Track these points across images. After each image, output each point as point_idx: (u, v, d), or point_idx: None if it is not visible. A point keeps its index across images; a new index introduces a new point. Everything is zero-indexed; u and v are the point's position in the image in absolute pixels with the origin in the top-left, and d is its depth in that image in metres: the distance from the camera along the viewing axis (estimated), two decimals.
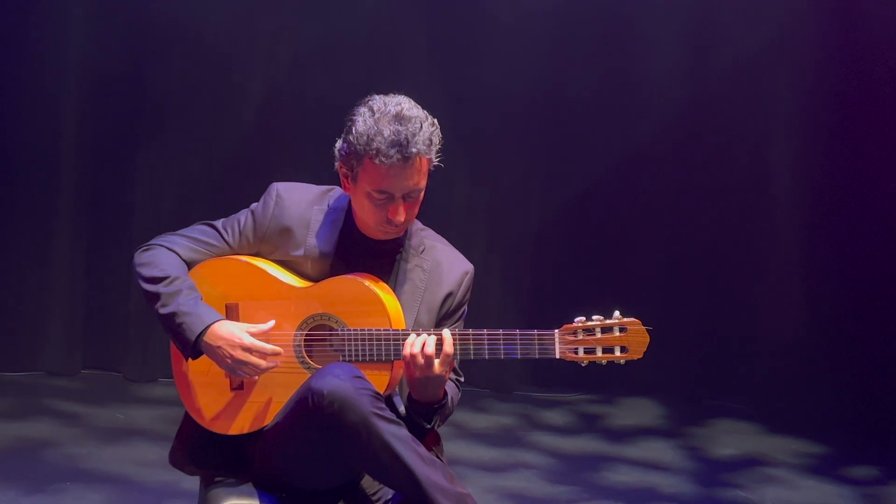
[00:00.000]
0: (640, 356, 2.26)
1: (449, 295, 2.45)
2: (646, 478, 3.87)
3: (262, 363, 2.33)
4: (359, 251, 2.43)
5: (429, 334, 2.30)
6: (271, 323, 2.37)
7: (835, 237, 4.78)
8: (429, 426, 2.37)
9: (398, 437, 2.19)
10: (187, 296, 2.37)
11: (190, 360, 2.38)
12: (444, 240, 2.53)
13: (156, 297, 2.38)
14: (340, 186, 2.46)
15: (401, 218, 2.34)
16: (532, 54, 4.71)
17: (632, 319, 2.28)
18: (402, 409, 2.40)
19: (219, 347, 2.33)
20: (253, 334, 2.35)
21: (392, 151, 2.28)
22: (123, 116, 4.51)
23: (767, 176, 4.81)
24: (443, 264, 2.46)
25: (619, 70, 4.77)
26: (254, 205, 2.51)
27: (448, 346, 2.28)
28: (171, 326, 2.35)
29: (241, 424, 2.41)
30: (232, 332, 2.33)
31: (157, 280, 2.39)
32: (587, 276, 4.78)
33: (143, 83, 4.48)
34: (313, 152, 4.55)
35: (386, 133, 2.29)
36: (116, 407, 4.18)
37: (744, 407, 4.66)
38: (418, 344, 2.29)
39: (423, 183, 2.35)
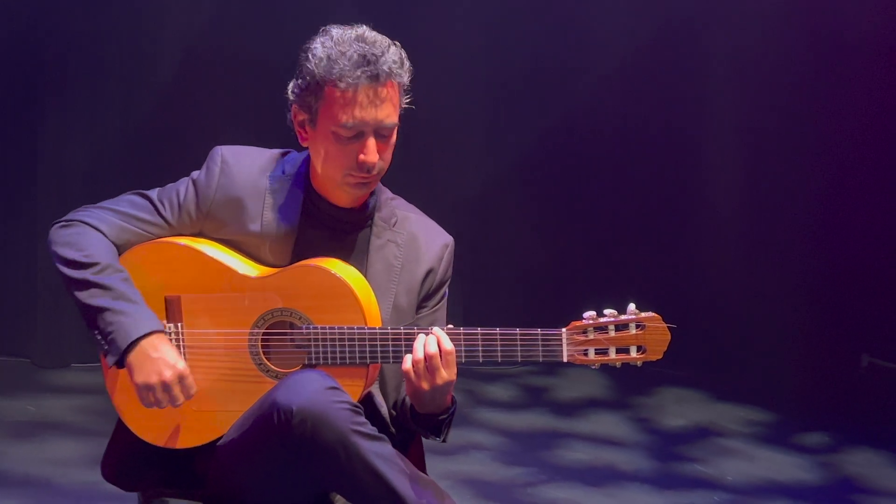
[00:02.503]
0: (660, 356, 2.02)
1: (429, 272, 2.14)
2: (601, 454, 3.71)
3: (181, 399, 2.02)
4: (324, 224, 2.10)
5: (427, 333, 1.99)
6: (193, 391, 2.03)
7: (775, 202, 4.73)
8: (439, 439, 2.09)
9: (381, 455, 1.90)
10: (124, 291, 2.01)
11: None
12: (417, 209, 2.21)
13: (82, 284, 2.02)
14: (297, 142, 2.11)
15: (373, 158, 2.02)
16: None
17: (650, 314, 2.01)
18: (384, 410, 2.12)
19: (153, 360, 1.99)
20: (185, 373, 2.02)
21: (358, 72, 1.98)
22: (19, 73, 4.05)
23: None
24: (419, 237, 2.14)
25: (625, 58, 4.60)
26: (195, 173, 2.14)
27: (447, 343, 1.97)
28: (99, 323, 2.00)
29: (189, 437, 2.08)
30: (173, 352, 2.01)
31: (84, 265, 2.03)
32: (576, 263, 4.63)
33: (39, 36, 4.03)
34: (240, 114, 4.25)
35: (349, 52, 1.99)
36: (27, 398, 3.80)
37: (687, 374, 4.55)
38: (420, 349, 1.97)
39: (396, 117, 2.04)
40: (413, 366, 1.98)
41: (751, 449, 3.86)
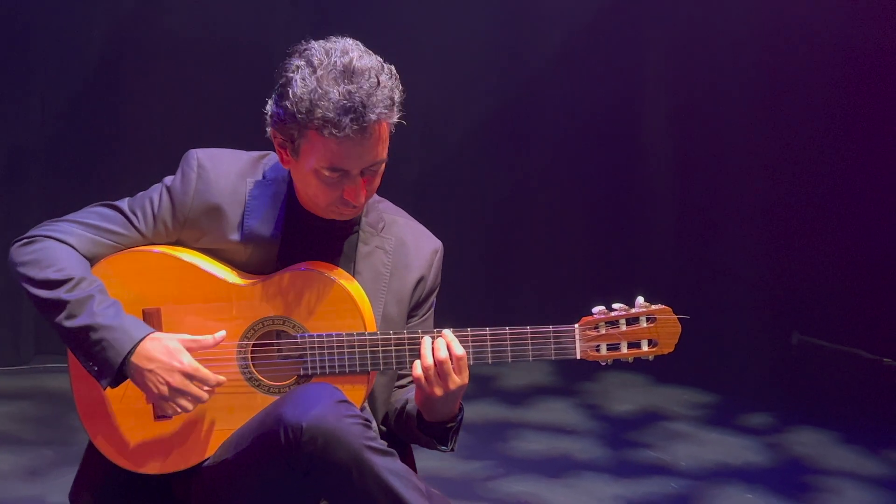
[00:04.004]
0: (672, 349, 1.98)
1: (420, 280, 2.05)
2: (556, 444, 3.70)
3: (204, 395, 1.87)
4: (307, 232, 1.98)
5: (435, 336, 1.90)
6: (221, 333, 1.89)
7: (707, 185, 4.80)
8: (446, 449, 2.01)
9: (395, 472, 1.82)
10: (102, 303, 1.86)
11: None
12: (405, 212, 2.11)
13: (56, 305, 1.85)
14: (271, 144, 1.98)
15: (358, 200, 1.91)
16: None
17: (661, 307, 1.98)
18: (374, 425, 2.02)
19: (151, 371, 1.85)
20: (191, 349, 1.88)
21: (345, 121, 1.81)
22: None
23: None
24: (408, 243, 2.05)
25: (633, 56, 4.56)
26: (168, 179, 1.99)
27: (457, 348, 1.88)
28: (84, 344, 1.85)
29: (174, 461, 1.95)
30: (168, 351, 1.85)
31: (55, 284, 1.86)
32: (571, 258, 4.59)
33: None
34: (176, 104, 4.09)
35: (334, 95, 1.81)
36: None
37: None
38: (428, 354, 1.88)
39: (385, 152, 1.91)
40: (424, 371, 1.89)
41: (699, 432, 3.89)
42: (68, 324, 1.86)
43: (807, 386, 4.43)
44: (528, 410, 4.01)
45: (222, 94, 4.11)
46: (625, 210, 4.78)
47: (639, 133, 4.74)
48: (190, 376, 1.87)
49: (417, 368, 1.91)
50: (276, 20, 4.19)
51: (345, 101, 1.82)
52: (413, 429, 2.02)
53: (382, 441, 1.86)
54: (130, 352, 1.85)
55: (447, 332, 1.93)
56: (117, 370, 1.86)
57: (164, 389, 1.86)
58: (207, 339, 1.90)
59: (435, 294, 2.12)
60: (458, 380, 1.90)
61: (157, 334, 1.89)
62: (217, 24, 4.10)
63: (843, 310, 4.89)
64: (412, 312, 2.07)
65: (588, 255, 4.73)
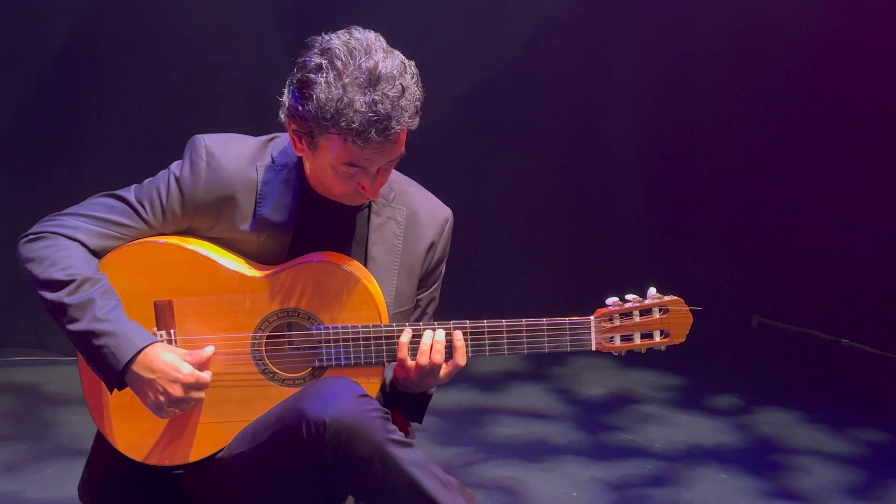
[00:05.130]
0: (683, 340, 2.02)
1: (431, 246, 2.03)
2: (531, 428, 3.74)
3: (202, 398, 1.88)
4: (320, 215, 1.97)
5: (434, 329, 1.91)
6: (209, 349, 1.88)
7: (672, 168, 4.87)
8: (412, 420, 2.03)
9: (416, 463, 1.82)
10: (104, 307, 1.83)
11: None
12: (413, 181, 2.09)
13: (59, 308, 1.83)
14: (278, 126, 1.97)
15: (374, 195, 1.90)
16: None
17: (673, 298, 2.01)
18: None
19: (151, 382, 1.83)
20: (191, 363, 1.87)
21: (371, 132, 1.79)
22: None
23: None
24: (420, 213, 2.04)
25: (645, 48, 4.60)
26: (175, 166, 1.95)
27: (461, 357, 1.90)
28: (87, 349, 1.84)
29: (186, 453, 1.93)
30: (169, 363, 1.84)
31: (59, 285, 1.83)
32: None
33: None
34: (144, 100, 4.02)
35: (360, 106, 1.79)
36: None
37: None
38: (427, 344, 1.89)
39: (403, 148, 1.90)
40: (416, 363, 1.92)
41: (670, 414, 3.96)
42: (71, 327, 1.85)
43: (769, 367, 4.53)
44: (502, 396, 4.04)
45: (192, 88, 4.07)
46: (591, 201, 4.82)
47: (604, 126, 4.78)
48: (191, 387, 1.86)
49: (403, 349, 1.91)
50: (244, 8, 4.15)
51: (371, 114, 1.81)
52: (384, 400, 2.03)
53: (401, 433, 1.86)
54: (131, 360, 1.84)
55: (457, 333, 1.93)
56: (119, 378, 1.85)
57: (163, 399, 1.86)
58: (200, 353, 1.89)
59: (443, 264, 2.10)
60: (444, 371, 1.94)
61: (158, 344, 1.87)
62: (186, 16, 4.05)
63: (801, 293, 5.01)
64: (421, 283, 2.06)
65: (560, 251, 4.76)
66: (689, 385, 4.29)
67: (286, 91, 1.91)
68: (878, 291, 4.79)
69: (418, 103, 1.87)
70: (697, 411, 4.00)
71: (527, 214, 4.73)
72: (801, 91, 4.79)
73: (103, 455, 1.99)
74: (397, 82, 1.82)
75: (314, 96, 1.82)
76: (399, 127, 1.83)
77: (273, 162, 1.97)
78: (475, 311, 2.07)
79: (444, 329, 1.93)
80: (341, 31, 1.89)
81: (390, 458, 1.80)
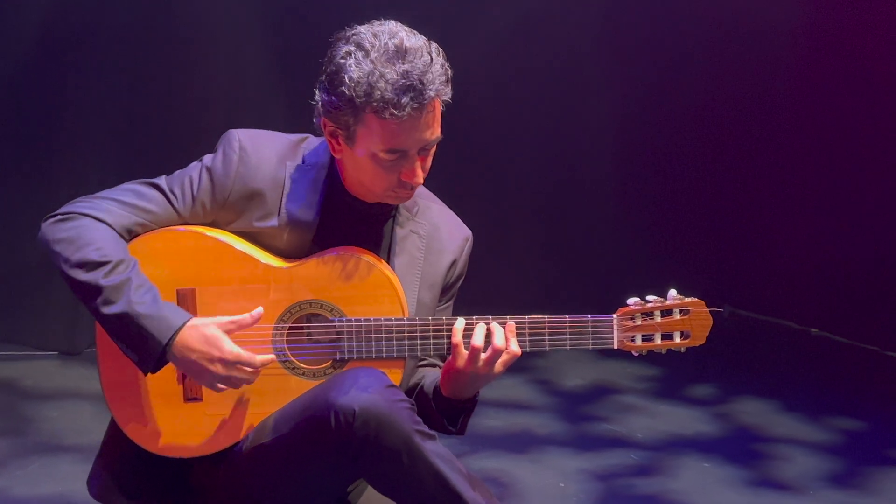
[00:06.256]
0: (703, 342, 2.03)
1: (453, 263, 2.05)
2: (514, 420, 3.75)
3: (250, 377, 1.85)
4: (344, 218, 1.97)
5: (487, 323, 1.90)
6: (259, 310, 1.85)
7: (645, 166, 4.91)
8: (454, 430, 2.02)
9: (441, 456, 1.82)
10: (140, 287, 1.81)
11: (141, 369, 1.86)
12: (437, 198, 2.11)
13: (93, 290, 1.79)
14: (308, 126, 1.98)
15: (419, 180, 1.90)
16: None
17: (694, 300, 2.02)
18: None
19: (193, 362, 1.81)
20: (230, 331, 1.83)
21: (405, 100, 1.80)
22: None
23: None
24: (441, 229, 2.05)
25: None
26: (208, 158, 1.95)
27: (514, 346, 1.90)
28: (122, 332, 1.81)
29: (203, 445, 1.92)
30: (207, 340, 1.81)
31: (93, 265, 1.80)
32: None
33: None
34: (109, 88, 3.95)
35: (391, 76, 1.81)
36: None
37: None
38: (481, 335, 1.87)
39: (440, 130, 1.90)
40: (472, 352, 1.89)
41: (649, 404, 4.00)
42: (105, 310, 1.81)
43: (742, 357, 4.59)
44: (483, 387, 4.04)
45: (161, 87, 4.02)
46: (566, 200, 4.85)
47: (582, 121, 4.80)
48: (231, 364, 1.84)
49: (457, 334, 1.90)
50: (215, 8, 4.11)
51: (403, 80, 1.82)
52: (426, 406, 2.02)
53: (425, 425, 1.86)
54: (170, 341, 1.82)
55: (510, 322, 1.93)
56: (157, 359, 1.82)
57: (207, 378, 1.84)
58: (245, 317, 1.87)
59: (460, 282, 2.12)
60: (499, 368, 1.92)
61: (196, 320, 1.85)
62: (159, 13, 4.00)
63: (770, 283, 5.08)
64: (441, 296, 2.07)
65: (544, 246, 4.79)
66: (665, 375, 4.34)
67: (317, 92, 1.92)
68: (846, 281, 4.87)
69: (449, 73, 1.88)
70: (676, 401, 4.05)
71: (505, 215, 4.75)
72: (762, 88, 4.87)
73: (115, 447, 1.97)
74: (425, 52, 1.85)
75: (346, 78, 1.83)
76: (432, 92, 1.84)
77: (303, 162, 1.97)
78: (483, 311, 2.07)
79: (484, 322, 1.93)
80: (361, 25, 1.90)
81: (417, 450, 1.79)
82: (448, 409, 2.01)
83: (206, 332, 1.84)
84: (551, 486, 3.23)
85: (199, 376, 1.85)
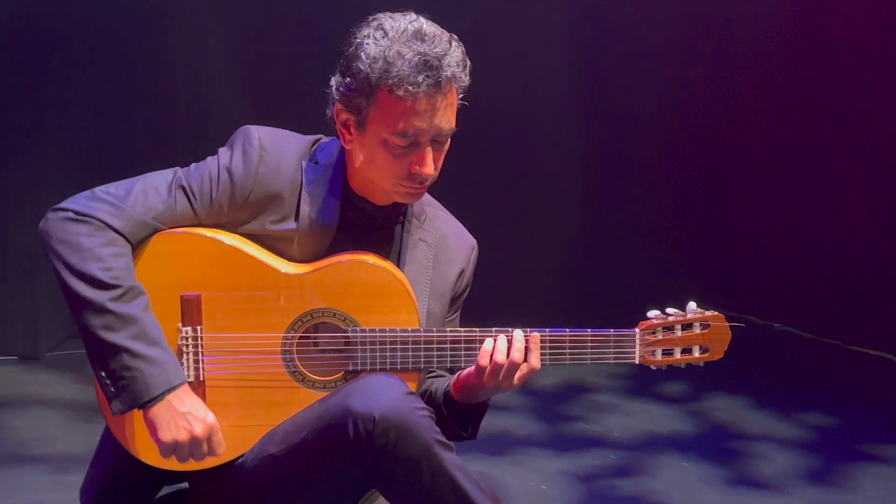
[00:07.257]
0: (721, 356, 2.00)
1: (461, 273, 2.01)
2: (492, 421, 3.66)
3: (205, 458, 1.79)
4: (359, 221, 1.91)
5: (508, 337, 1.86)
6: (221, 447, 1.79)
7: (607, 159, 4.91)
8: (466, 435, 1.97)
9: (458, 466, 1.77)
10: (145, 327, 1.72)
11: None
12: (443, 207, 2.07)
13: (95, 308, 1.71)
14: (336, 137, 1.91)
15: (429, 170, 1.83)
16: None
17: (714, 313, 1.99)
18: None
19: (182, 415, 1.74)
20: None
21: (420, 77, 1.76)
22: None
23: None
24: (449, 238, 2.01)
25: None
26: (224, 156, 1.86)
27: (536, 359, 1.86)
28: (112, 362, 1.72)
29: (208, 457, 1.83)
30: (200, 405, 1.76)
31: (100, 284, 1.71)
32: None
33: None
34: (78, 85, 3.84)
35: (409, 54, 1.77)
36: None
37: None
38: (502, 349, 1.83)
39: (455, 122, 1.85)
40: (492, 364, 1.85)
41: (624, 403, 4.00)
42: (103, 334, 1.72)
43: None
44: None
45: (129, 84, 3.92)
46: (530, 197, 4.83)
47: (546, 116, 4.78)
48: (212, 433, 1.78)
49: (483, 356, 1.86)
50: (183, 7, 4.01)
51: (419, 58, 1.78)
52: (438, 413, 1.96)
53: (443, 434, 1.81)
54: (167, 391, 1.75)
55: (535, 334, 1.88)
56: (142, 404, 1.75)
57: (185, 437, 1.76)
58: (219, 443, 1.81)
59: (467, 292, 2.08)
60: (517, 381, 1.88)
61: (188, 385, 1.79)
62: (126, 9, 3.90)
63: (733, 279, 5.12)
64: (449, 306, 2.03)
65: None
66: (637, 373, 4.35)
67: (332, 81, 1.87)
68: (808, 277, 4.93)
69: (468, 64, 1.85)
70: (650, 399, 4.05)
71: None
72: (715, 86, 4.90)
73: (109, 457, 1.90)
74: (444, 38, 1.83)
75: (362, 55, 1.80)
76: (448, 73, 1.80)
77: (316, 162, 1.91)
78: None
79: (504, 334, 1.88)
80: (387, 12, 1.88)
81: (437, 460, 1.74)
82: (459, 414, 1.97)
83: (197, 398, 1.79)
84: (533, 488, 3.20)
85: (175, 430, 1.75)
